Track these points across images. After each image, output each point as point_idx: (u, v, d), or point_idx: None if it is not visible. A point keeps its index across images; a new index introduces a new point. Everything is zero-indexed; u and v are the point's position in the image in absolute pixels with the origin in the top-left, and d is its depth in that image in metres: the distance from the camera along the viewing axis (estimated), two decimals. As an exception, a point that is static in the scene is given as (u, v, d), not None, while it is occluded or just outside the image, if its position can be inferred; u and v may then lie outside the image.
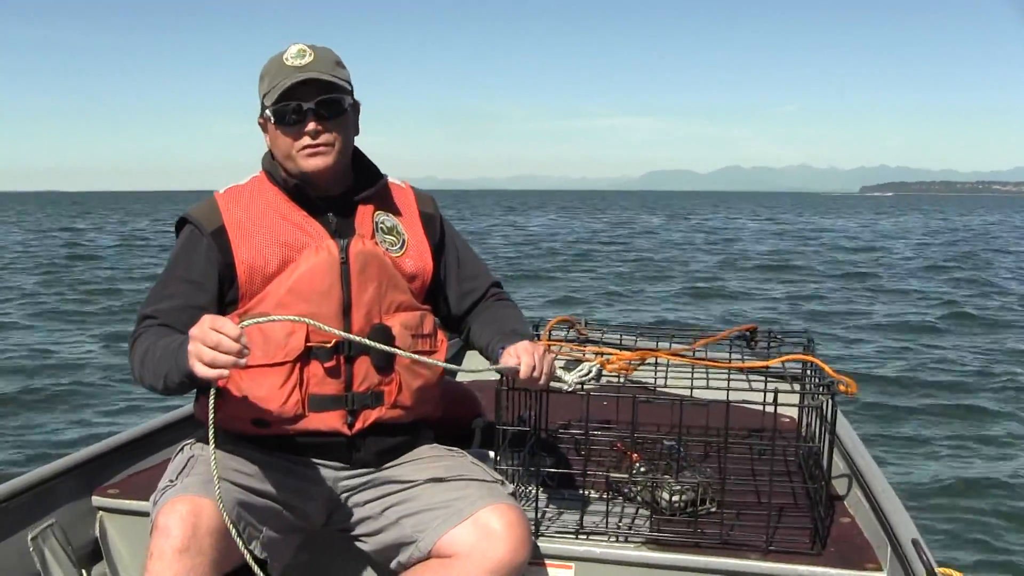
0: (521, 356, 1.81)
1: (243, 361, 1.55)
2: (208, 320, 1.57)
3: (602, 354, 2.29)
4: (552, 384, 1.91)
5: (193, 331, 1.58)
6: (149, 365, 1.75)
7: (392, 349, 1.81)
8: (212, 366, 1.55)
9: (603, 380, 2.07)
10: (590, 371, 1.97)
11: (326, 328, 1.71)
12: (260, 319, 1.69)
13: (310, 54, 1.85)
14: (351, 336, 1.76)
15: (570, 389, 1.91)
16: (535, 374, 1.81)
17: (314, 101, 1.82)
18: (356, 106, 1.93)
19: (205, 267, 1.85)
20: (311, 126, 1.82)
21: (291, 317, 1.73)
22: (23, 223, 44.72)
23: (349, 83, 1.89)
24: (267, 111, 1.85)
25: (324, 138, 1.84)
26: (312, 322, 1.70)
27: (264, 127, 1.91)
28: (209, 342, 1.54)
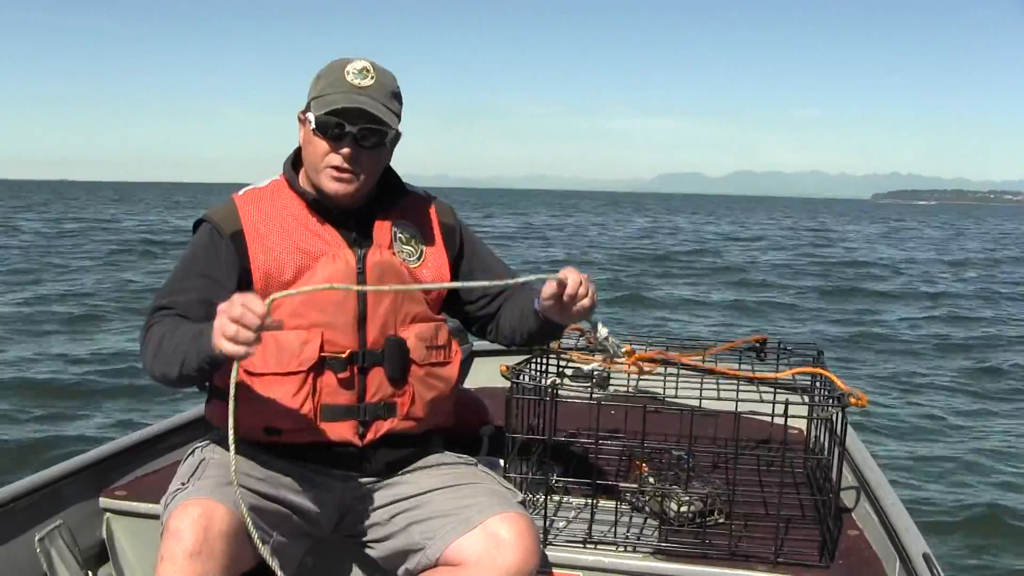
0: (568, 274, 1.77)
1: (280, 325, 1.58)
2: (237, 296, 1.56)
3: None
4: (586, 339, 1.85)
5: (221, 305, 1.57)
6: (166, 349, 1.73)
7: (415, 287, 1.87)
8: (235, 341, 1.52)
9: (611, 389, 2.07)
10: (616, 350, 1.95)
11: (347, 287, 1.76)
12: (290, 292, 1.66)
13: (371, 76, 1.82)
14: (369, 287, 1.80)
15: (603, 339, 1.89)
16: (582, 290, 1.77)
17: (357, 127, 1.80)
18: (397, 137, 1.89)
19: (225, 267, 1.85)
20: (346, 150, 1.81)
21: (322, 286, 1.72)
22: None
23: (399, 116, 1.86)
24: (311, 114, 1.83)
25: (354, 166, 1.82)
26: (344, 286, 1.75)
27: (302, 122, 1.88)
28: (234, 315, 1.52)
